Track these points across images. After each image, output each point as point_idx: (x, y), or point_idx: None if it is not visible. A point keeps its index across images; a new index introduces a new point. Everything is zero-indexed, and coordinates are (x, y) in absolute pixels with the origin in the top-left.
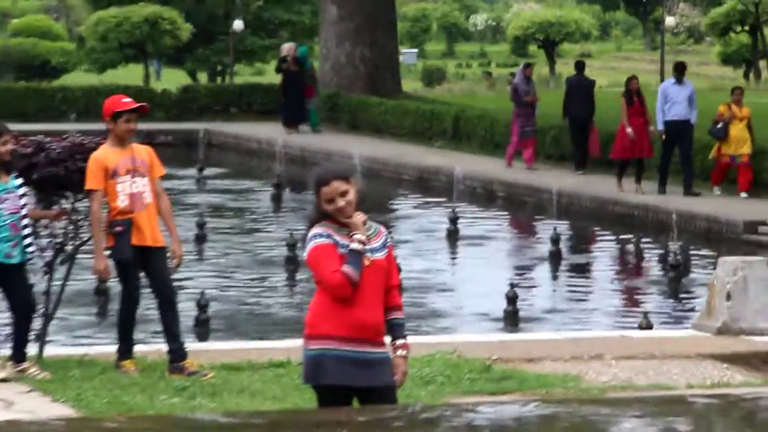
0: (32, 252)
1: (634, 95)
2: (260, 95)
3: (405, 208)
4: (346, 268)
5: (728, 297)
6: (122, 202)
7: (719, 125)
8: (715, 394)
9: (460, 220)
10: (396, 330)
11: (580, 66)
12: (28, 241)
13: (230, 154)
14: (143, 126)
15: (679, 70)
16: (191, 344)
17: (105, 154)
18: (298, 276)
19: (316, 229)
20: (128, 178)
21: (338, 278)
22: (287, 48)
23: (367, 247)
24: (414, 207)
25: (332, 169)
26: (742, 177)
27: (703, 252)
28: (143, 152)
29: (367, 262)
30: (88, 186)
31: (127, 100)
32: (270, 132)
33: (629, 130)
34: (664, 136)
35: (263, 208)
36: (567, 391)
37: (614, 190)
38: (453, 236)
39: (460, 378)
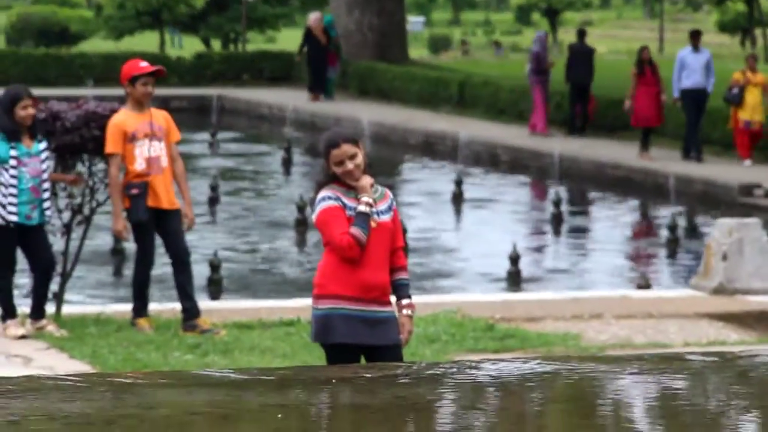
0: (50, 213)
1: (645, 65)
2: (271, 62)
3: (411, 172)
4: (354, 230)
5: (724, 258)
6: (140, 165)
7: (734, 90)
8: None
9: (464, 183)
10: (401, 290)
11: (581, 34)
12: (47, 204)
13: (242, 119)
14: (158, 92)
15: (695, 37)
16: (204, 303)
17: (124, 119)
18: (308, 237)
19: (325, 192)
20: (146, 142)
21: (347, 240)
22: (315, 19)
23: (374, 209)
24: (420, 170)
25: (342, 133)
26: (751, 143)
27: (700, 214)
28: (160, 117)
29: (373, 224)
30: (107, 150)
31: (145, 64)
32: (281, 97)
33: (628, 103)
34: (680, 104)
35: (274, 171)
36: (567, 349)
37: (613, 155)
38: (457, 199)
39: (464, 336)
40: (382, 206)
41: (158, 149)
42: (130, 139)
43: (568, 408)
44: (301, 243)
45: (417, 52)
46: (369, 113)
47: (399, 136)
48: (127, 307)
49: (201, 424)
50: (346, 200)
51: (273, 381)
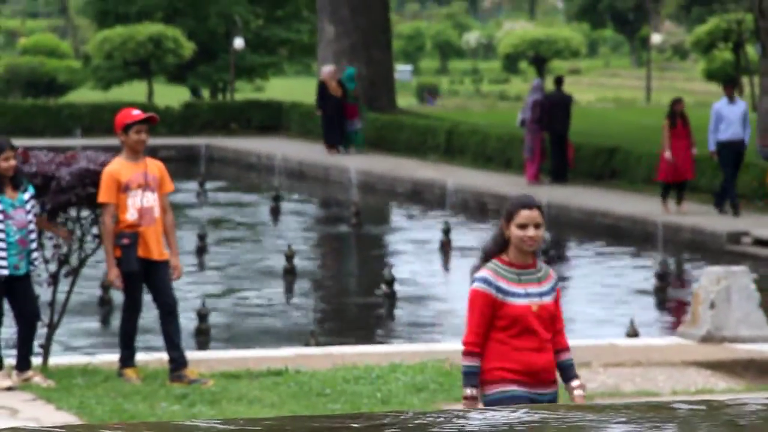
0: (37, 263)
1: (677, 117)
2: (260, 111)
3: (399, 220)
4: (466, 391)
5: (712, 306)
6: (131, 215)
7: None
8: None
9: (452, 232)
10: (568, 370)
11: (559, 82)
12: (35, 255)
13: (230, 168)
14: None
15: (731, 88)
16: (191, 353)
17: (118, 168)
18: (296, 287)
19: (484, 272)
20: (139, 192)
21: (465, 349)
22: (327, 72)
23: (537, 290)
24: (408, 219)
25: (537, 199)
26: None
27: (689, 262)
28: (155, 167)
29: (534, 308)
30: (100, 199)
31: (137, 112)
32: (269, 146)
33: (668, 154)
34: (716, 157)
35: (262, 220)
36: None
37: (601, 201)
38: (445, 247)
39: (452, 385)
40: (546, 287)
41: (151, 200)
42: (123, 189)
43: None
44: (289, 292)
45: (405, 100)
46: (357, 162)
47: (386, 184)
48: (115, 358)
49: None
50: (501, 283)
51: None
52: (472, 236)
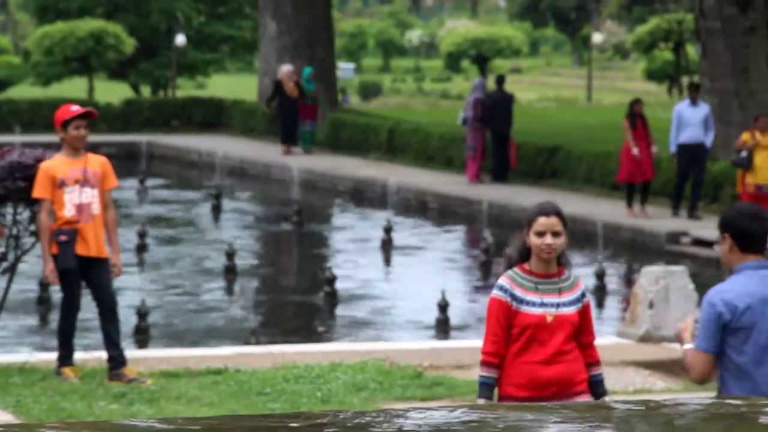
0: None
1: (637, 118)
2: (201, 108)
3: (340, 219)
4: (479, 398)
5: (650, 305)
6: (69, 211)
7: (743, 154)
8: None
9: (393, 230)
10: (596, 386)
11: (500, 81)
12: None
13: (172, 166)
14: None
15: (694, 90)
16: (131, 352)
17: (55, 164)
18: (237, 285)
19: (503, 280)
20: (77, 188)
21: (482, 359)
22: (284, 71)
23: (555, 300)
24: (349, 217)
25: (557, 207)
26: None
27: (628, 262)
28: (96, 163)
29: (549, 318)
30: (35, 195)
31: (76, 107)
32: (211, 144)
33: (635, 150)
34: (675, 159)
35: (203, 218)
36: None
37: (541, 200)
38: (387, 246)
39: (392, 384)
40: (567, 297)
41: (90, 196)
42: (59, 185)
43: None
44: (229, 291)
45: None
46: (298, 160)
47: (328, 182)
48: (53, 356)
49: None
50: (518, 291)
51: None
52: (413, 235)
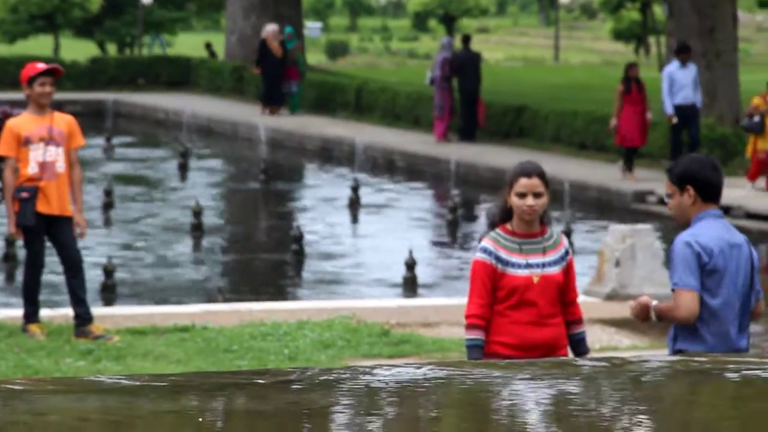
0: None
1: (632, 82)
2: (168, 67)
3: (308, 178)
4: (468, 349)
5: (617, 264)
6: (32, 169)
7: (755, 118)
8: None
9: (361, 189)
10: (580, 345)
11: (466, 40)
12: None
13: (138, 124)
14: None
15: (684, 52)
16: (97, 309)
17: (20, 122)
18: (204, 243)
19: (486, 242)
20: (41, 146)
21: (467, 322)
22: (269, 31)
23: (540, 260)
24: (316, 176)
25: (539, 167)
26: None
27: (594, 221)
28: (62, 122)
29: (535, 279)
30: (0, 152)
31: (42, 65)
32: (177, 102)
33: (613, 121)
34: (675, 120)
35: (170, 176)
36: (462, 354)
37: (509, 160)
38: (354, 205)
39: (359, 342)
40: (551, 257)
41: (54, 154)
42: (24, 142)
43: (461, 413)
44: (196, 248)
45: (314, 57)
46: (265, 119)
47: (296, 141)
48: (18, 313)
49: (92, 430)
50: (502, 253)
51: (166, 387)
52: (380, 193)
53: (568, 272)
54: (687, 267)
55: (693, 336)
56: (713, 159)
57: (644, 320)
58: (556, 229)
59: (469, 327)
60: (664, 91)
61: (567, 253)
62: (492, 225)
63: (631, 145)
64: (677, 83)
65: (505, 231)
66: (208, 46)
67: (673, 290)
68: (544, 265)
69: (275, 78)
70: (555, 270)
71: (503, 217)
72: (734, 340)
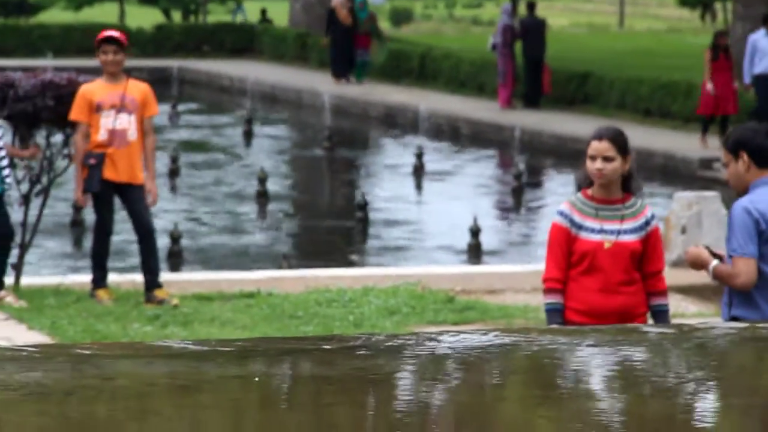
0: (9, 182)
1: (720, 50)
2: (232, 34)
3: (372, 145)
4: (546, 313)
5: (683, 231)
6: (101, 136)
7: None
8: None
9: (425, 156)
10: (659, 317)
11: (531, 7)
12: (5, 172)
13: (203, 91)
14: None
15: None
16: (164, 275)
17: (92, 88)
18: (269, 209)
19: (563, 205)
20: (112, 113)
21: (544, 286)
22: (339, 0)
23: (616, 227)
24: (380, 143)
25: (612, 131)
26: None
27: (660, 187)
28: (136, 90)
29: (607, 245)
30: (70, 117)
31: (109, 33)
32: (242, 69)
33: (710, 86)
34: (752, 90)
35: (235, 143)
36: (527, 321)
37: (573, 127)
38: (418, 172)
39: (424, 309)
40: (630, 225)
41: (125, 122)
42: (95, 108)
43: (527, 379)
44: (261, 215)
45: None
46: (329, 86)
47: (359, 108)
48: (87, 278)
49: (159, 394)
50: (578, 218)
51: (232, 352)
52: (444, 160)
53: (649, 242)
54: (746, 234)
55: (748, 302)
56: (766, 125)
57: (697, 269)
58: (643, 200)
59: (547, 291)
60: (745, 60)
61: (648, 223)
62: (579, 188)
63: (718, 114)
64: (760, 51)
65: (584, 195)
66: (263, 12)
67: (730, 256)
68: (619, 233)
69: (344, 46)
70: (631, 238)
71: (585, 181)
72: None
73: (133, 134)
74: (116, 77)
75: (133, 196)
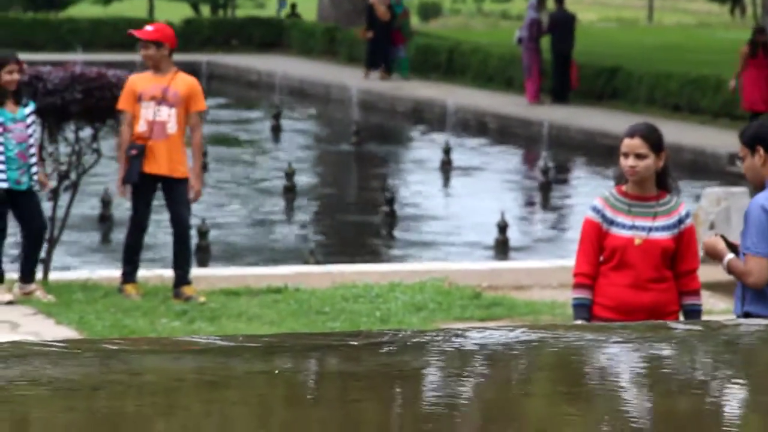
0: (36, 177)
1: (759, 47)
2: (261, 28)
3: (400, 139)
4: (575, 317)
5: (711, 226)
6: (141, 127)
7: None
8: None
9: (453, 151)
10: (692, 317)
11: (560, 1)
12: (35, 169)
13: (231, 85)
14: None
15: None
16: (192, 270)
17: (138, 79)
18: (296, 204)
19: (596, 200)
20: (152, 104)
21: (574, 281)
22: None
23: (648, 223)
24: (408, 138)
25: (645, 128)
26: None
27: (689, 183)
28: (182, 83)
29: (638, 241)
30: (118, 106)
31: (150, 28)
32: (270, 64)
33: (733, 83)
34: None
35: (263, 138)
36: (554, 317)
37: (601, 122)
38: (446, 167)
39: (450, 305)
40: (662, 222)
41: (165, 115)
42: (137, 99)
43: (554, 376)
44: (289, 210)
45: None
46: (358, 80)
47: (387, 103)
48: (115, 273)
49: (187, 389)
50: (610, 213)
51: (259, 348)
52: (472, 156)
53: (683, 240)
54: (761, 232)
55: (761, 299)
56: None
57: (713, 259)
58: (679, 198)
59: (576, 286)
60: None
61: (681, 221)
62: (616, 184)
63: (754, 109)
64: None
65: (618, 191)
66: (293, 7)
67: (744, 254)
68: (650, 229)
69: (381, 42)
70: (663, 235)
71: (623, 178)
72: None
73: (172, 127)
74: (161, 70)
75: (174, 191)
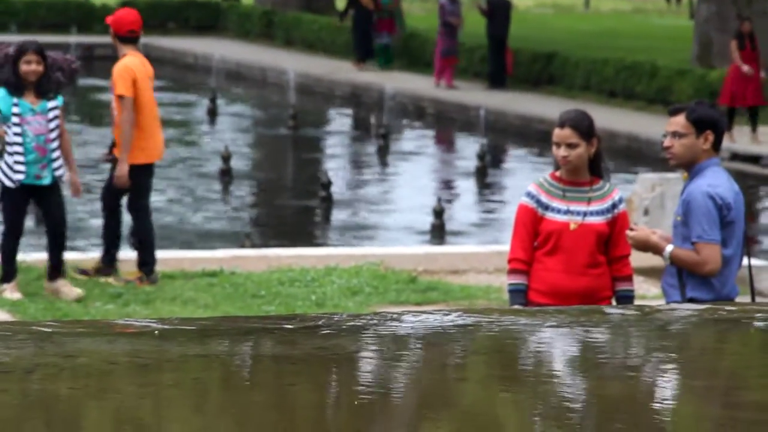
0: (61, 172)
1: (746, 38)
2: (198, 11)
3: (336, 124)
4: (509, 294)
5: (646, 212)
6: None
7: None
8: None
9: (389, 136)
10: (624, 302)
11: None
12: (57, 163)
13: (168, 68)
14: (83, 40)
15: None
16: (126, 253)
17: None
18: (232, 188)
19: (531, 186)
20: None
21: (508, 267)
22: None
23: (582, 208)
24: (345, 123)
25: (575, 116)
26: None
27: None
28: (114, 69)
29: (573, 226)
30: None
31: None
32: (207, 47)
33: (746, 68)
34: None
35: (200, 121)
36: (490, 301)
37: (538, 107)
38: (383, 151)
39: (386, 289)
40: (596, 207)
41: (113, 101)
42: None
43: (489, 360)
44: (225, 193)
45: (343, 2)
46: (295, 64)
47: (324, 87)
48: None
49: (121, 372)
50: (543, 197)
51: (194, 331)
52: (409, 141)
53: (616, 225)
54: (710, 220)
55: (703, 284)
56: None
57: (642, 251)
58: (612, 183)
59: (511, 271)
60: None
61: (615, 206)
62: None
63: (742, 104)
64: None
65: (552, 177)
66: None
67: (694, 243)
68: (586, 214)
69: (365, 30)
70: (597, 220)
71: (558, 164)
72: (734, 286)
73: (115, 112)
74: (118, 54)
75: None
